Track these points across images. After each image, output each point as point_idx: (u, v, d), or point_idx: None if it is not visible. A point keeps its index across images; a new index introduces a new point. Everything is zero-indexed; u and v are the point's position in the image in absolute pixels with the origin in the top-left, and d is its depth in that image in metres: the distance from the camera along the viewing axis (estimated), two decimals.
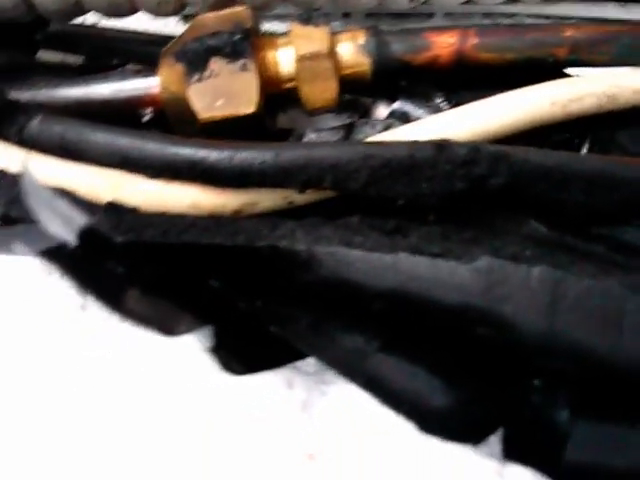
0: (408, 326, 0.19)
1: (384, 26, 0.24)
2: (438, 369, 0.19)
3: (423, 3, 0.27)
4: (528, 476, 0.18)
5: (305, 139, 0.24)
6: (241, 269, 0.19)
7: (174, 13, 0.26)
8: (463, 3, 0.29)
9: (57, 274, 0.23)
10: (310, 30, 0.23)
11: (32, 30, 0.28)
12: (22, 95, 0.25)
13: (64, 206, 0.17)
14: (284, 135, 0.25)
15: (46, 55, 0.28)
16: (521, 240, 0.20)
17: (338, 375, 0.19)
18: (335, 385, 0.20)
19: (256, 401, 0.20)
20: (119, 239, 0.19)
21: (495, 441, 0.18)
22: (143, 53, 0.29)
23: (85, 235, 0.17)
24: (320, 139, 0.24)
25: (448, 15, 0.29)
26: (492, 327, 0.18)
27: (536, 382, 0.19)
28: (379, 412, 0.18)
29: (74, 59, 0.29)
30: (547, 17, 0.29)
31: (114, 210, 0.20)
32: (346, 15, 0.29)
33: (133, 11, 0.26)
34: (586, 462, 0.18)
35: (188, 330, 0.17)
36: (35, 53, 0.28)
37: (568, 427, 0.18)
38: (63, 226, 0.18)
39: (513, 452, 0.18)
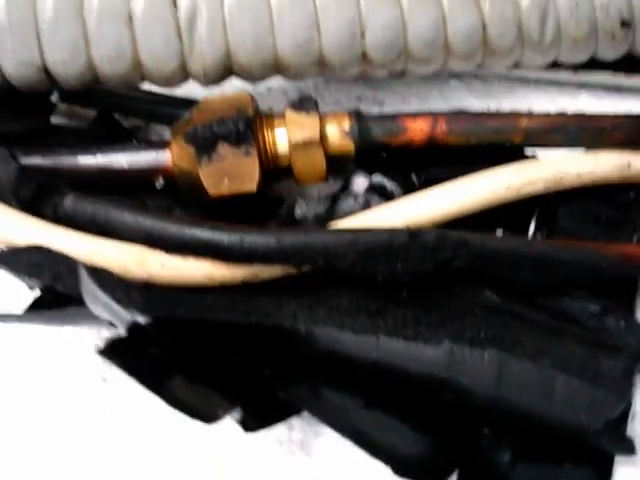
0: (387, 390, 0.24)
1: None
2: (409, 424, 0.24)
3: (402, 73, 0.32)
4: None
5: (296, 207, 0.29)
6: (252, 343, 0.25)
7: (179, 85, 0.31)
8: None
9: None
10: (302, 118, 0.28)
11: (47, 93, 0.32)
12: (44, 163, 0.29)
13: (114, 305, 0.22)
14: (278, 202, 0.30)
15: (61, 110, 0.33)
16: (479, 320, 0.25)
17: (329, 428, 0.24)
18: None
19: (263, 441, 0.26)
20: (152, 315, 0.24)
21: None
22: (150, 111, 0.33)
23: (132, 329, 0.22)
24: (309, 208, 0.29)
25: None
26: (452, 393, 0.24)
27: (485, 431, 0.25)
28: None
29: (86, 112, 0.33)
30: None
31: (147, 290, 0.25)
32: None
33: (141, 82, 0.30)
34: None
35: (225, 414, 0.22)
36: (50, 115, 0.32)
37: (510, 467, 0.24)
38: (113, 318, 0.23)
39: None
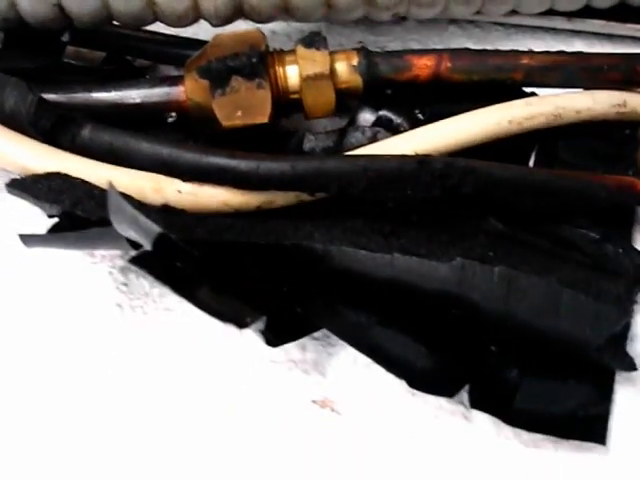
0: (400, 306, 0.26)
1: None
2: (422, 339, 0.26)
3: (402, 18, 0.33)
4: (487, 419, 0.26)
5: (305, 140, 0.31)
6: (271, 261, 0.26)
7: (189, 25, 0.32)
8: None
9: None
10: (313, 53, 0.30)
11: (59, 32, 0.33)
12: (59, 98, 0.30)
13: (142, 218, 0.23)
14: (287, 135, 0.31)
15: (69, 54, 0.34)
16: (486, 242, 0.27)
17: (345, 343, 0.26)
18: (339, 347, 0.27)
19: (277, 360, 0.27)
20: (173, 237, 0.25)
21: (464, 393, 0.26)
22: (158, 52, 0.34)
23: (159, 241, 0.24)
24: (317, 141, 0.31)
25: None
26: (463, 309, 0.26)
27: (493, 348, 0.27)
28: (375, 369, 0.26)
29: (94, 55, 0.34)
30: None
31: (167, 213, 0.26)
32: None
33: (154, 22, 0.32)
34: (531, 409, 0.25)
35: (253, 321, 0.23)
36: (62, 54, 0.33)
37: (517, 382, 0.26)
38: (140, 234, 0.24)
39: (476, 401, 0.25)
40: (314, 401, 0.26)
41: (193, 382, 0.27)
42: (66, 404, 0.27)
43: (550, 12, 0.35)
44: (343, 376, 0.27)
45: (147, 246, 0.25)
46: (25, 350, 0.28)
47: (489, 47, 0.35)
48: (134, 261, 0.24)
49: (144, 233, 0.24)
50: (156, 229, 0.24)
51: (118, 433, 0.26)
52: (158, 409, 0.26)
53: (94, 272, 0.29)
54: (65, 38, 0.33)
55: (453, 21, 0.37)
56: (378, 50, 0.31)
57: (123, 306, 0.28)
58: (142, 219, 0.24)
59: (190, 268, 0.24)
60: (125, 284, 0.29)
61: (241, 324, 0.23)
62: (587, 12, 0.35)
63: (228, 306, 0.24)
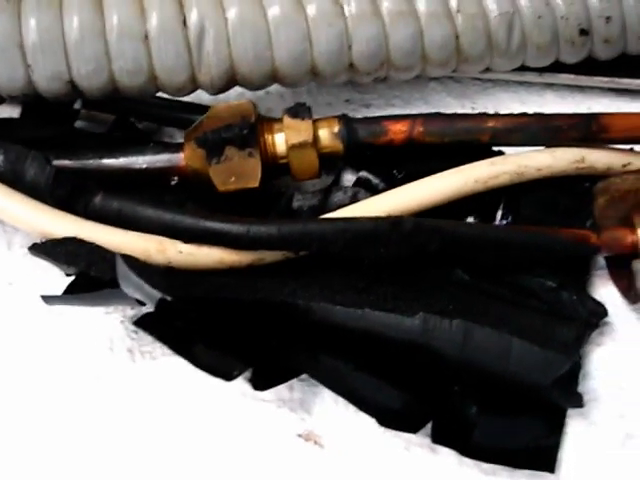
0: (372, 354, 0.31)
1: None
2: (391, 382, 0.31)
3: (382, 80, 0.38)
4: (451, 451, 0.31)
5: (294, 200, 0.36)
6: (259, 316, 0.31)
7: (188, 94, 0.37)
8: None
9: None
10: (298, 123, 0.35)
11: (71, 102, 0.39)
12: (72, 164, 0.36)
13: (145, 286, 0.29)
14: (277, 195, 0.36)
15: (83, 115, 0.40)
16: (450, 294, 0.32)
17: (325, 387, 0.31)
18: (322, 387, 0.32)
19: (267, 399, 0.33)
20: (173, 295, 0.30)
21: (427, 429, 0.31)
22: (161, 115, 0.40)
23: (160, 304, 0.29)
24: (305, 200, 0.36)
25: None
26: (426, 356, 0.31)
27: (455, 388, 0.31)
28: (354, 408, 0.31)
29: (105, 117, 0.40)
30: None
31: (168, 273, 0.32)
32: None
33: (156, 93, 0.37)
34: (488, 443, 0.30)
35: (240, 373, 0.29)
36: (74, 120, 0.39)
37: (476, 418, 0.31)
38: (144, 297, 0.30)
39: (439, 437, 0.30)
40: (300, 435, 0.32)
41: (194, 419, 0.32)
42: (80, 446, 0.32)
43: (523, 68, 0.40)
44: (326, 413, 0.32)
45: (151, 307, 0.30)
46: (45, 390, 0.33)
47: (467, 101, 0.41)
48: (137, 323, 0.30)
49: (148, 297, 0.30)
50: (157, 295, 0.29)
51: (125, 471, 0.31)
52: (161, 443, 0.32)
53: (108, 321, 0.35)
54: (77, 105, 0.39)
55: (433, 78, 0.42)
56: (359, 115, 0.36)
57: (134, 352, 0.34)
58: (146, 286, 0.29)
59: (187, 326, 0.30)
60: (135, 332, 0.34)
61: (229, 377, 0.28)
62: (557, 67, 0.40)
63: (217, 361, 0.29)
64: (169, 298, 0.30)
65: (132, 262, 0.30)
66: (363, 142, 0.35)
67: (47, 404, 0.33)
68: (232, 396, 0.32)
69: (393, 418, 0.30)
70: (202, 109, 0.39)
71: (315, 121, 0.35)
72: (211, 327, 0.31)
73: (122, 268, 0.30)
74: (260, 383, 0.30)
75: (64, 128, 0.39)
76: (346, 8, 0.36)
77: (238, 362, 0.29)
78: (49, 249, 0.32)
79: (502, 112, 0.37)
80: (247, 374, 0.30)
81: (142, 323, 0.30)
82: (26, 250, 0.36)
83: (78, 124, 0.39)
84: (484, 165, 0.35)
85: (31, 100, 0.36)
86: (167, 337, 0.30)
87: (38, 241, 0.33)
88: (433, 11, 0.37)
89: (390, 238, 0.32)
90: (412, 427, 0.30)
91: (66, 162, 0.35)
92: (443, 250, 0.33)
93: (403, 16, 0.37)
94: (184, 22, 0.35)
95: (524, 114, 0.35)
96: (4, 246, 0.37)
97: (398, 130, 0.35)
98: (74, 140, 0.38)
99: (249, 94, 0.39)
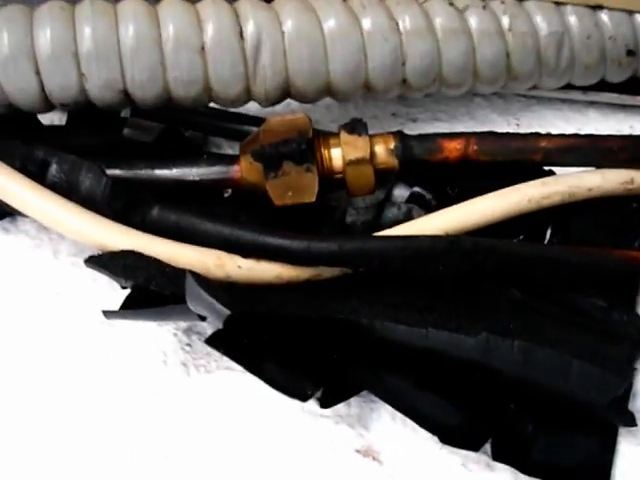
0: (433, 372, 0.32)
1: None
2: (451, 400, 0.32)
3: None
4: (507, 468, 0.32)
5: (347, 215, 0.37)
6: (322, 332, 0.32)
7: (241, 106, 0.38)
8: None
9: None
10: (355, 139, 0.36)
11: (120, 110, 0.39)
12: (124, 174, 0.36)
13: (216, 304, 0.30)
14: (332, 209, 0.38)
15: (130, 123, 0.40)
16: (508, 313, 0.33)
17: (385, 403, 0.32)
18: (379, 403, 0.33)
19: (326, 414, 0.34)
20: (236, 311, 0.31)
21: (487, 445, 0.32)
22: (210, 125, 0.41)
23: (229, 322, 0.30)
24: (358, 215, 0.37)
25: None
26: (486, 374, 0.32)
27: (512, 406, 0.33)
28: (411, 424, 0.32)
29: (153, 125, 0.40)
30: None
31: (230, 289, 0.33)
32: None
33: (208, 104, 0.38)
34: (545, 460, 0.31)
35: (313, 394, 0.30)
36: (122, 129, 0.40)
37: (533, 437, 0.32)
38: (212, 315, 0.31)
39: (498, 454, 0.32)
40: (358, 450, 0.33)
41: (251, 435, 0.33)
42: (135, 462, 0.33)
43: (567, 86, 0.41)
44: (384, 429, 0.33)
45: (219, 325, 0.31)
46: (96, 406, 0.34)
47: (511, 117, 0.42)
48: (209, 342, 0.31)
49: (216, 315, 0.31)
50: (226, 312, 0.30)
51: None
52: (218, 460, 0.33)
53: (160, 334, 0.35)
54: (124, 113, 0.40)
55: (479, 94, 0.43)
56: (411, 130, 0.37)
57: (188, 365, 0.35)
58: (216, 305, 0.30)
59: (256, 344, 0.31)
60: (189, 344, 0.35)
61: (304, 397, 0.30)
62: (601, 85, 0.41)
63: (291, 380, 0.30)
64: (235, 314, 0.31)
65: (200, 279, 0.31)
66: (418, 159, 0.36)
67: (98, 420, 0.34)
68: (290, 411, 0.33)
69: (453, 435, 0.32)
70: (250, 120, 0.40)
71: (371, 137, 0.36)
72: (278, 344, 0.32)
73: (191, 285, 0.31)
74: (327, 401, 0.31)
75: (112, 136, 0.39)
76: (401, 24, 0.37)
77: (310, 381, 0.30)
78: (107, 262, 0.33)
79: (546, 129, 0.39)
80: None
81: (213, 341, 0.31)
82: (73, 259, 0.37)
83: (126, 132, 0.40)
84: (537, 185, 0.36)
85: (82, 108, 0.37)
86: (238, 355, 0.31)
87: (89, 254, 0.34)
88: (485, 29, 0.38)
89: (449, 256, 0.33)
90: (472, 444, 0.32)
91: (117, 172, 0.36)
92: (498, 268, 0.34)
93: (456, 33, 0.38)
94: (240, 34, 0.36)
95: (575, 135, 0.37)
96: (50, 255, 0.38)
97: (453, 148, 0.36)
98: (122, 149, 0.39)
99: (295, 105, 0.40)
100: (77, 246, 0.37)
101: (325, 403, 0.31)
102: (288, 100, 0.39)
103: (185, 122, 0.41)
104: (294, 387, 0.30)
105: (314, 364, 0.32)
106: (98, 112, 0.38)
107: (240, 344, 0.31)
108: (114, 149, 0.38)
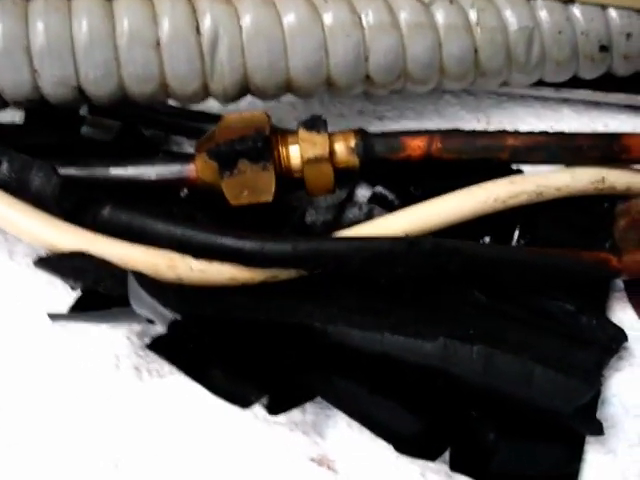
0: (389, 378, 0.31)
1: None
2: (408, 407, 0.31)
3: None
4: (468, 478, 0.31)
5: (307, 215, 0.36)
6: (273, 337, 0.31)
7: (199, 102, 0.37)
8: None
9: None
10: (313, 136, 0.35)
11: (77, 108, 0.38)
12: (79, 173, 0.35)
13: (159, 306, 0.29)
14: (290, 209, 0.36)
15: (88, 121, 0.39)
16: (469, 317, 0.32)
17: (339, 411, 0.31)
18: (336, 410, 0.32)
19: (280, 421, 0.33)
20: (185, 313, 0.30)
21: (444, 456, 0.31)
22: (169, 123, 0.40)
23: (173, 326, 0.29)
24: (318, 215, 0.36)
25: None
26: (445, 381, 0.31)
27: (473, 413, 0.32)
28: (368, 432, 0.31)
29: (111, 123, 0.39)
30: None
31: (179, 290, 0.31)
32: None
33: (166, 100, 0.37)
34: (507, 471, 0.30)
35: (256, 400, 0.29)
36: (79, 127, 0.39)
37: (494, 444, 0.31)
38: (156, 318, 0.30)
39: (457, 464, 0.31)
40: (312, 459, 0.32)
41: (203, 441, 0.32)
42: (85, 466, 0.32)
43: (540, 83, 0.40)
44: (340, 437, 0.32)
45: (163, 328, 0.30)
46: (47, 408, 0.33)
47: (481, 115, 0.41)
48: (151, 347, 0.30)
49: (160, 318, 0.30)
50: (170, 316, 0.29)
51: None
52: (169, 465, 0.32)
53: (113, 337, 0.34)
54: (82, 111, 0.39)
55: (448, 91, 0.42)
56: (374, 128, 0.36)
57: (140, 369, 0.34)
58: (159, 307, 0.29)
59: (200, 349, 0.30)
60: (142, 348, 0.34)
61: (246, 404, 0.28)
62: (574, 82, 0.40)
63: (234, 387, 0.29)
64: (181, 318, 0.29)
65: (144, 280, 0.30)
66: (380, 157, 0.35)
67: (49, 423, 0.33)
68: (243, 418, 0.32)
69: (410, 444, 0.30)
70: (211, 118, 0.39)
71: (331, 135, 0.35)
72: (225, 349, 0.31)
73: (134, 286, 0.30)
74: (275, 407, 0.30)
75: (69, 135, 0.38)
76: (364, 18, 0.36)
77: (254, 388, 0.29)
78: (55, 263, 0.32)
79: (517, 127, 0.38)
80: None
81: (155, 346, 0.30)
82: (29, 260, 0.36)
83: (84, 130, 0.39)
84: (503, 184, 0.35)
85: (35, 106, 0.36)
86: (181, 361, 0.29)
87: (43, 254, 0.33)
88: (452, 23, 0.37)
89: (408, 258, 0.32)
90: (430, 454, 0.31)
91: (72, 171, 0.35)
92: (462, 271, 0.33)
93: (421, 28, 0.37)
94: (197, 29, 0.35)
95: (544, 133, 0.35)
96: (5, 255, 0.37)
97: (416, 146, 0.35)
98: (80, 147, 0.38)
99: (259, 103, 0.38)
100: (33, 247, 0.36)
101: (272, 409, 0.30)
102: (250, 98, 0.38)
103: (145, 120, 0.40)
104: (236, 393, 0.29)
105: (263, 370, 0.30)
106: (56, 110, 0.37)
107: (184, 349, 0.30)
108: (71, 148, 0.37)
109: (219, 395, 0.28)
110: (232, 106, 0.38)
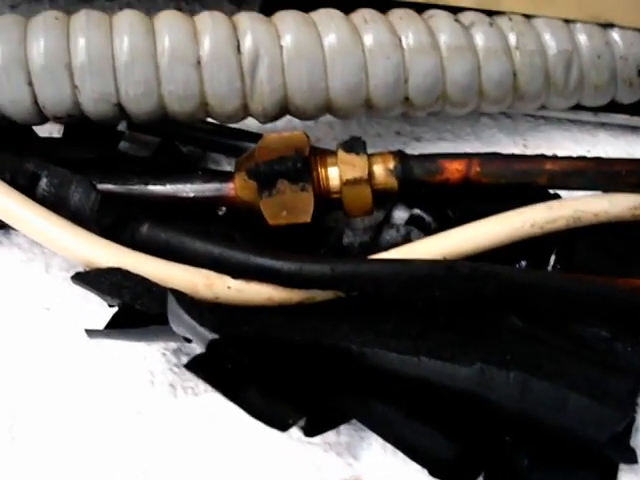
0: (425, 402, 0.31)
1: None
2: (444, 432, 0.31)
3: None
4: None
5: (344, 236, 0.36)
6: (310, 358, 0.31)
7: (238, 122, 0.37)
8: None
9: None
10: (352, 158, 0.35)
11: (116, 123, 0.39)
12: (117, 189, 0.36)
13: (198, 327, 0.29)
14: (328, 230, 0.37)
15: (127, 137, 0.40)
16: (505, 342, 0.32)
17: (374, 434, 0.31)
18: (370, 431, 0.32)
19: (314, 442, 0.33)
20: (222, 332, 0.30)
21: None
22: (207, 140, 0.40)
23: (211, 346, 0.29)
24: (355, 237, 0.36)
25: None
26: (481, 406, 0.31)
27: (507, 439, 0.32)
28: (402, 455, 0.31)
29: (150, 139, 0.40)
30: None
31: (216, 310, 0.32)
32: None
33: (205, 119, 0.37)
34: None
35: (294, 423, 0.29)
36: (118, 143, 0.39)
37: (528, 470, 0.31)
38: (195, 338, 0.30)
39: None
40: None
41: (238, 461, 0.32)
42: None
43: (577, 107, 0.40)
44: (374, 460, 0.32)
45: (201, 348, 0.30)
46: (81, 423, 0.33)
47: (518, 137, 0.41)
48: (189, 367, 0.30)
49: (199, 337, 0.30)
50: (209, 336, 0.29)
51: None
52: None
53: (149, 353, 0.35)
54: (121, 126, 0.39)
55: (485, 113, 0.42)
56: (412, 150, 0.36)
57: (176, 386, 0.34)
58: (197, 327, 0.29)
59: (238, 369, 0.30)
60: (177, 365, 0.34)
61: (283, 427, 0.29)
62: (612, 107, 0.40)
63: (272, 409, 0.29)
64: (219, 338, 0.30)
65: (183, 299, 0.31)
66: (418, 180, 0.35)
67: (82, 438, 0.33)
68: (278, 438, 0.32)
69: (444, 468, 0.30)
70: (249, 136, 0.39)
71: (370, 156, 0.35)
72: (262, 370, 0.31)
73: (173, 306, 0.30)
74: (311, 429, 0.30)
75: (108, 150, 0.39)
76: (404, 40, 0.37)
77: (292, 410, 0.29)
78: (93, 279, 0.32)
79: (554, 150, 0.38)
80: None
81: (193, 366, 0.30)
82: (65, 274, 0.36)
83: (122, 146, 0.39)
84: (541, 209, 0.35)
85: (76, 121, 0.36)
86: (219, 381, 0.30)
87: (80, 269, 0.33)
88: (492, 47, 0.37)
89: (446, 282, 0.32)
90: (464, 478, 0.31)
91: (110, 186, 0.35)
92: (497, 295, 0.33)
93: (461, 50, 0.37)
94: (238, 48, 0.35)
95: (582, 158, 0.36)
96: (42, 269, 0.37)
97: (454, 169, 0.35)
98: (117, 163, 0.38)
99: (297, 122, 0.39)
100: (69, 261, 0.36)
101: (309, 432, 0.30)
102: (289, 117, 0.38)
103: (183, 137, 0.40)
104: (274, 416, 0.29)
105: (299, 391, 0.31)
106: (95, 125, 0.37)
107: (222, 369, 0.30)
108: (109, 163, 0.38)
109: (257, 417, 0.28)
110: (270, 124, 0.38)
